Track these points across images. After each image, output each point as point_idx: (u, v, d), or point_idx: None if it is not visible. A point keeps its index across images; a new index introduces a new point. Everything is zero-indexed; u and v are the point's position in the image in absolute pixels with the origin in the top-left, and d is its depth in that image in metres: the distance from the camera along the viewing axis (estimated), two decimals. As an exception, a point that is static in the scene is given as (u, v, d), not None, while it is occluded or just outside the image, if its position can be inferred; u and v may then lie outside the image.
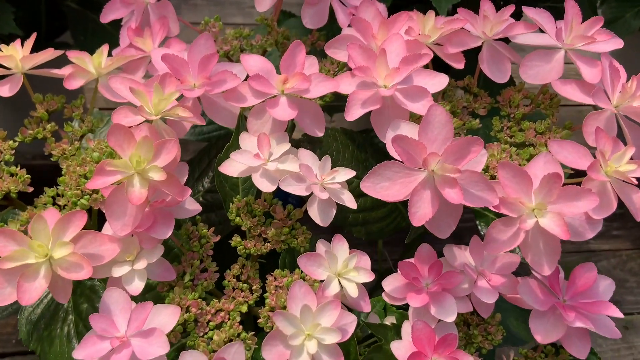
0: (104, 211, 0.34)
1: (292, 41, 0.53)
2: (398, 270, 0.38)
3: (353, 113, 0.40)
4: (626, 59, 0.93)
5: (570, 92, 0.41)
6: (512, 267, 0.39)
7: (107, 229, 0.34)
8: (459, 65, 0.44)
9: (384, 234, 0.50)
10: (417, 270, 0.38)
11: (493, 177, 0.41)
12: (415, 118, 0.43)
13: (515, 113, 0.45)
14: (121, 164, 0.33)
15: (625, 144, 0.39)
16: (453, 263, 0.39)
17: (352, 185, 0.46)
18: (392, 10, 0.70)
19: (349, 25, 0.47)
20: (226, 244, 0.40)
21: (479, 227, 0.46)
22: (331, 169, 0.38)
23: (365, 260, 0.38)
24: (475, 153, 0.34)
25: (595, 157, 0.38)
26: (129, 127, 0.36)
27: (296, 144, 0.44)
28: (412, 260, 0.39)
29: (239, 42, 0.53)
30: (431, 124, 0.36)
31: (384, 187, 0.36)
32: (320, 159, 0.47)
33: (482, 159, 0.37)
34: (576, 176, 0.39)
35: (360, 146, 0.51)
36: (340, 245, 0.37)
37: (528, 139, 0.43)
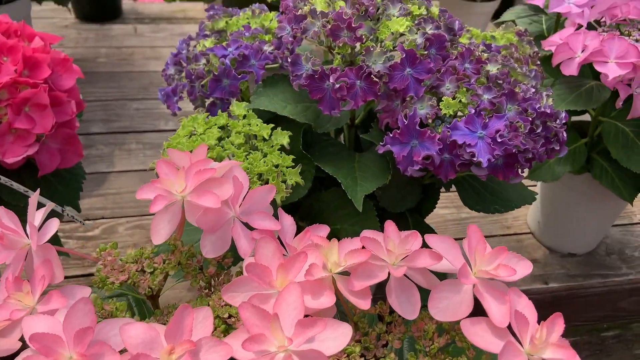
0: None
1: (198, 258, 0.51)
2: None
3: (245, 391, 0.36)
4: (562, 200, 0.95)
5: (480, 337, 0.38)
6: None
7: None
8: (365, 305, 0.41)
9: None
10: None
11: None
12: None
13: (430, 347, 0.42)
14: None
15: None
16: None
17: None
18: (317, 182, 0.69)
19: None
20: None
21: None
22: None
23: None
24: None
25: None
26: None
27: None
28: None
29: (139, 265, 0.49)
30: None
31: None
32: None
33: None
34: None
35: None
36: None
37: (445, 382, 0.40)
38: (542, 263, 0.96)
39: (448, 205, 1.08)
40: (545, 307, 0.95)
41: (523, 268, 0.42)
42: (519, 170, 0.56)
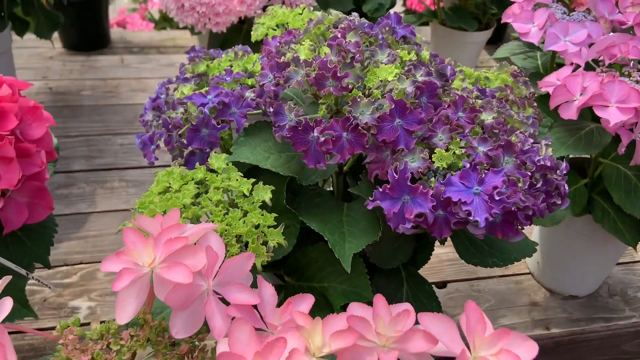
0: None
1: (170, 334, 0.46)
2: None
3: None
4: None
5: None
6: None
7: None
8: (352, 397, 0.37)
9: None
10: None
11: None
12: None
13: None
14: None
15: None
16: None
17: None
18: (304, 233, 0.65)
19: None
20: None
21: None
22: None
23: None
24: None
25: None
26: None
27: None
28: None
29: (105, 342, 0.45)
30: None
31: None
32: None
33: None
34: None
35: None
36: None
37: None
38: (543, 307, 0.92)
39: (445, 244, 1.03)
40: (547, 353, 0.90)
41: (528, 351, 0.38)
42: (519, 228, 0.52)
